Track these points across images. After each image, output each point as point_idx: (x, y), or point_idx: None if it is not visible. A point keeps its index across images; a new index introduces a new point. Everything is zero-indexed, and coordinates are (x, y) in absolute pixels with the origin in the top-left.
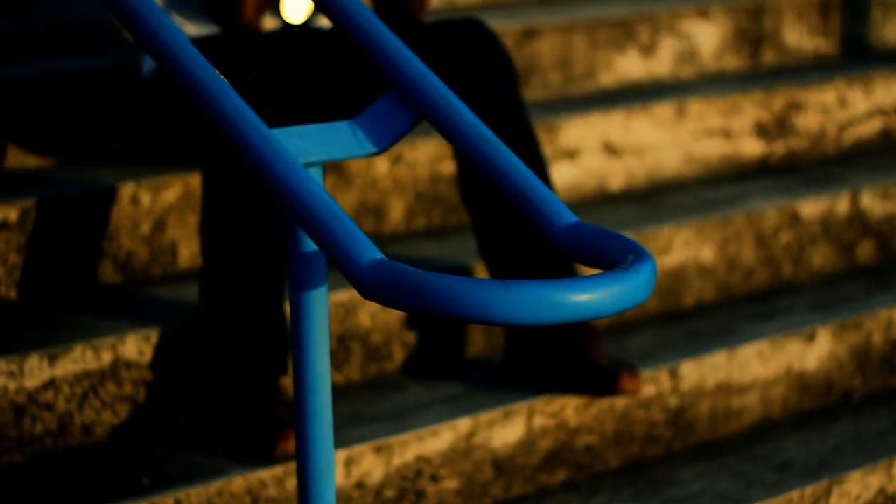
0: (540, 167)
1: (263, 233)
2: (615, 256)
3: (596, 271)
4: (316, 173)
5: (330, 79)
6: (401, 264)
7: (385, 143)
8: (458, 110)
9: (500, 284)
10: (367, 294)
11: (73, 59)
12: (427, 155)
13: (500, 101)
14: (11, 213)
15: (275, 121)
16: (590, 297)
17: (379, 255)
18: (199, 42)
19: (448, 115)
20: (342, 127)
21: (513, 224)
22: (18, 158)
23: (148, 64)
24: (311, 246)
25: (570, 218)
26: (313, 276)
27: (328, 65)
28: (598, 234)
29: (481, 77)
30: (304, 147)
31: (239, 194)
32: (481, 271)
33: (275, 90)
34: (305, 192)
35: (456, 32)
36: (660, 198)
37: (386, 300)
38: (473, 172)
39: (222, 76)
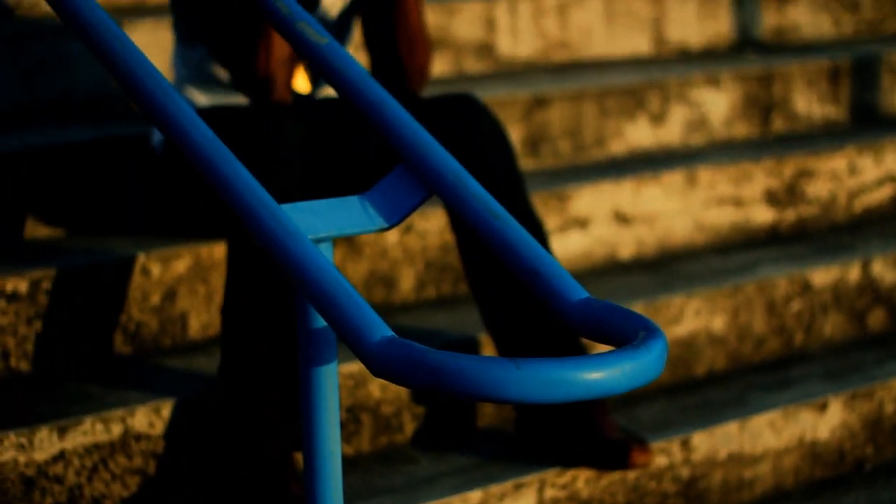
0: (540, 240)
1: (279, 303)
2: (626, 333)
3: (607, 347)
4: (326, 249)
5: (341, 149)
6: (411, 342)
7: (395, 218)
8: (468, 185)
9: (511, 363)
10: (378, 372)
11: (84, 129)
12: (437, 225)
13: (497, 175)
14: (21, 285)
15: (285, 191)
16: (601, 375)
17: (389, 333)
18: (208, 113)
19: (458, 190)
20: (352, 202)
21: (520, 297)
22: (29, 229)
23: (158, 134)
24: (321, 322)
25: (581, 293)
26: (323, 353)
27: (339, 136)
28: (608, 311)
29: (476, 151)
30: (314, 223)
31: (254, 264)
32: (489, 342)
33: (295, 163)
34: (315, 269)
35: (450, 108)
36: (670, 266)
37: (396, 378)
38: (480, 245)
39: (242, 149)
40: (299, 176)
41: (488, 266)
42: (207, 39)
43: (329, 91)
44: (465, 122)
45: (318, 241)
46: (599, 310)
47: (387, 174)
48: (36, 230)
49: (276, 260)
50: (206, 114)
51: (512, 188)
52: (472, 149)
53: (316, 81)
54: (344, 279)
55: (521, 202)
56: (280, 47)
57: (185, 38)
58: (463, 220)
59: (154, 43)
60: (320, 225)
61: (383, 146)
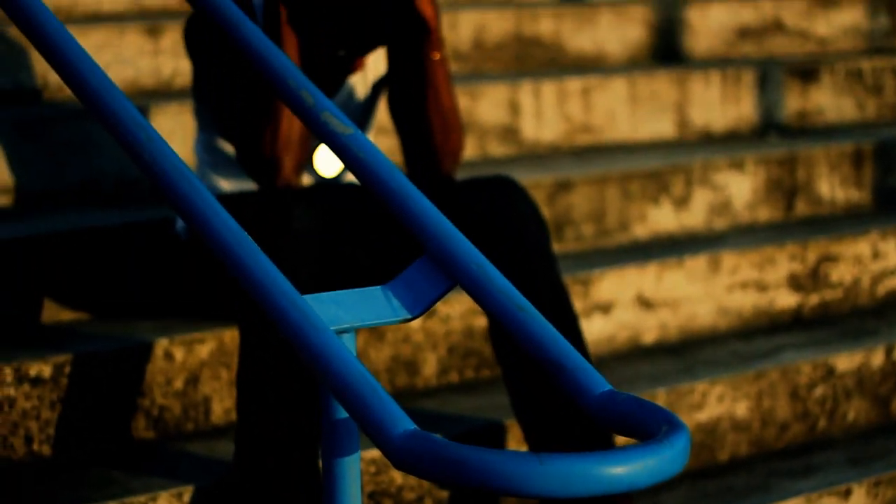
0: (571, 324)
1: (298, 390)
2: (650, 427)
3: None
4: (349, 340)
5: (362, 236)
6: (433, 436)
7: (418, 309)
8: (492, 277)
9: (535, 458)
10: (400, 465)
11: (108, 214)
12: (460, 309)
13: (531, 258)
14: (45, 369)
15: (308, 279)
16: (624, 470)
17: (412, 426)
18: (231, 199)
19: (482, 282)
20: (375, 293)
21: (548, 385)
22: (52, 313)
23: (182, 220)
24: (343, 413)
25: (604, 386)
26: (345, 443)
27: (361, 223)
28: (632, 404)
29: (513, 234)
30: (337, 314)
31: (273, 350)
32: (514, 428)
33: (307, 249)
34: (338, 361)
35: (487, 190)
36: (694, 351)
37: (418, 472)
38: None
39: (255, 235)
40: (312, 262)
41: (517, 352)
42: (220, 121)
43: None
44: (500, 204)
45: (341, 332)
46: (623, 403)
47: (409, 263)
48: (60, 314)
49: (299, 351)
50: (227, 200)
51: (546, 271)
52: (508, 231)
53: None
54: (367, 372)
55: (555, 285)
56: (287, 130)
57: (206, 123)
58: (486, 312)
59: (179, 127)
60: (343, 316)
61: (406, 235)
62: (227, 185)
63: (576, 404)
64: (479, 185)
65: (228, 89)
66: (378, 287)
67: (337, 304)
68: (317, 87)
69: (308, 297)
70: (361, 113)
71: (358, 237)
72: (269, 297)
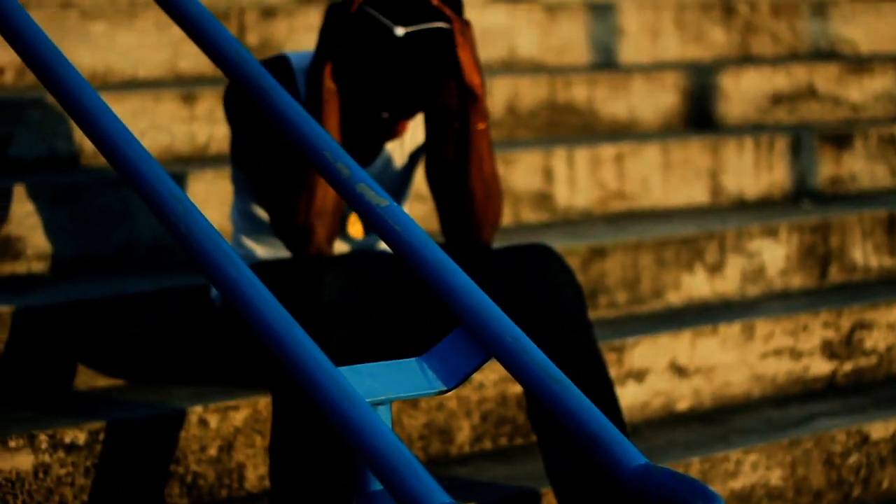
0: (607, 393)
1: (332, 460)
2: (685, 500)
3: None
4: (384, 413)
5: (397, 306)
6: None
7: (454, 381)
8: (527, 350)
9: None
10: None
11: (143, 280)
12: (493, 377)
13: (568, 327)
14: (80, 436)
15: (341, 347)
16: None
17: (447, 500)
18: (265, 266)
19: (517, 355)
20: (410, 364)
21: (583, 456)
22: (87, 379)
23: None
24: (377, 485)
25: (640, 459)
26: None
27: (395, 292)
28: (667, 477)
29: (549, 303)
30: (373, 386)
31: (307, 419)
32: (549, 496)
33: (341, 317)
34: (374, 434)
35: (524, 258)
36: (727, 419)
37: None
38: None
39: (288, 302)
40: (345, 330)
41: (552, 423)
42: (255, 188)
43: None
44: (537, 273)
45: (377, 403)
46: (659, 476)
47: (443, 332)
48: (94, 380)
49: (334, 423)
50: (261, 267)
51: (582, 341)
52: (544, 300)
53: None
54: (402, 445)
55: (591, 354)
56: (322, 199)
57: (243, 189)
58: (522, 384)
59: (214, 193)
60: (379, 388)
61: (440, 305)
62: (262, 251)
63: (611, 477)
64: (516, 253)
65: (265, 157)
66: (413, 359)
67: (372, 376)
68: (353, 159)
69: (343, 370)
70: (398, 182)
71: (392, 306)
72: (305, 370)
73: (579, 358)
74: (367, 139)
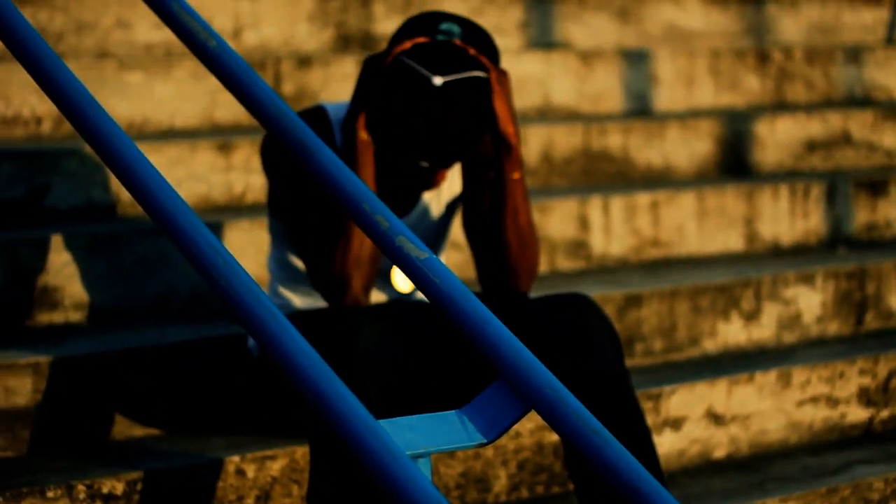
0: (644, 443)
1: None
2: None
3: None
4: (424, 465)
5: (435, 356)
6: None
7: (493, 434)
8: (567, 403)
9: None
10: None
11: (180, 330)
12: (530, 425)
13: (605, 377)
14: (118, 486)
15: (378, 397)
16: None
17: None
18: (302, 316)
19: (557, 408)
20: (450, 417)
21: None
22: (125, 429)
23: None
24: None
25: None
26: None
27: (432, 342)
28: None
29: (587, 353)
30: (412, 439)
31: (344, 470)
32: None
33: (378, 368)
34: (414, 488)
35: (561, 308)
36: (764, 466)
37: None
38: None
39: (325, 352)
40: (382, 380)
41: (591, 474)
42: (291, 238)
43: None
44: (574, 323)
45: (416, 456)
46: None
47: (482, 383)
48: (132, 430)
49: (374, 476)
50: (298, 317)
51: (620, 391)
52: (581, 349)
53: None
54: (443, 499)
55: (628, 404)
56: (358, 250)
57: (280, 239)
58: (562, 437)
59: (250, 243)
60: (419, 441)
61: (477, 357)
62: (299, 300)
63: None
64: (552, 303)
65: (301, 207)
66: (453, 411)
67: (412, 428)
68: (391, 211)
69: (383, 422)
70: (434, 232)
71: (429, 356)
72: (345, 423)
73: (616, 407)
74: (403, 189)
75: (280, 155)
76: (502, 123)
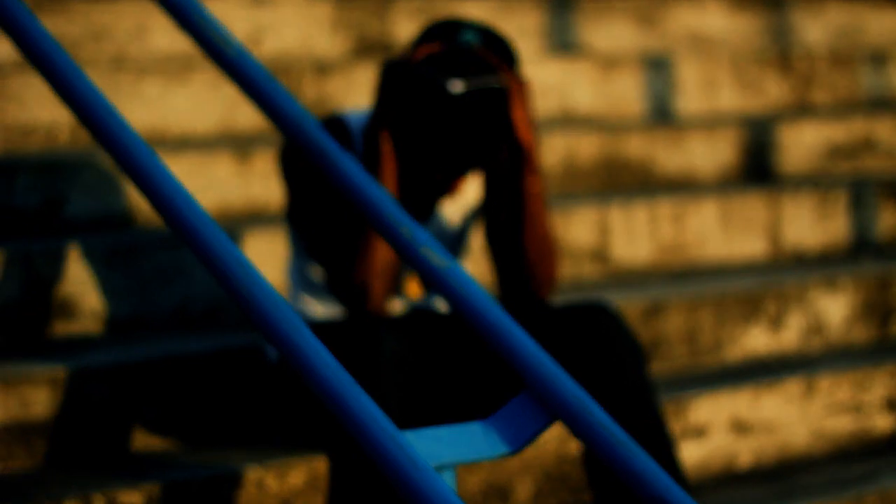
0: (667, 453)
1: None
2: None
3: None
4: (448, 477)
5: (456, 366)
6: None
7: (518, 444)
8: (593, 413)
9: None
10: None
11: (199, 340)
12: (554, 434)
13: (628, 387)
14: (136, 498)
15: (399, 407)
16: None
17: None
18: (323, 326)
19: (583, 418)
20: (475, 428)
21: None
22: (144, 441)
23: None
24: None
25: None
26: None
27: (454, 352)
28: None
29: (609, 362)
30: (437, 450)
31: (366, 481)
32: None
33: (399, 378)
34: (438, 499)
35: (583, 317)
36: (789, 476)
37: None
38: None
39: (346, 362)
40: (404, 390)
41: (615, 483)
42: (311, 247)
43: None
44: (596, 332)
45: (441, 468)
46: None
47: (503, 392)
48: (150, 441)
49: (398, 488)
50: (319, 327)
51: (643, 400)
52: (603, 359)
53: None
54: None
55: (652, 414)
56: (380, 259)
57: (300, 248)
58: (587, 447)
59: (270, 252)
60: (443, 452)
61: (503, 367)
62: (319, 310)
63: None
64: (573, 311)
65: (321, 216)
66: (477, 422)
67: (436, 439)
68: (414, 220)
69: (407, 433)
70: (454, 240)
71: (450, 366)
72: (368, 433)
73: (640, 417)
74: (423, 197)
75: (299, 163)
76: (521, 132)
